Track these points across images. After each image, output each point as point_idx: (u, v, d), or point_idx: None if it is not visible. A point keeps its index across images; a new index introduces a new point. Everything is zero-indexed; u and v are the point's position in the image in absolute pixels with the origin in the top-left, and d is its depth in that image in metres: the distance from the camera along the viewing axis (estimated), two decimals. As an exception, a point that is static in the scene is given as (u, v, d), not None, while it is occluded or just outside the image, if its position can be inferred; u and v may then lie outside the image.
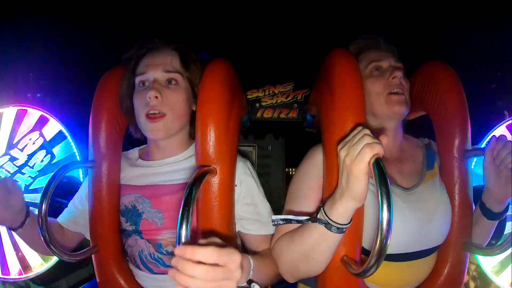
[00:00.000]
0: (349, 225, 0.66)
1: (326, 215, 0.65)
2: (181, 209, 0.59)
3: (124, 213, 0.87)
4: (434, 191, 0.85)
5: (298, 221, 0.68)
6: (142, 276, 0.88)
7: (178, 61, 0.85)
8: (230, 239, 0.77)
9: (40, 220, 0.76)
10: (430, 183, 0.86)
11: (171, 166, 0.88)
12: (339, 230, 0.65)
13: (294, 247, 0.72)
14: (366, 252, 0.76)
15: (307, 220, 0.67)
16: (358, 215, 0.73)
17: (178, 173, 0.86)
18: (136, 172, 0.90)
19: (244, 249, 1.00)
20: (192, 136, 0.90)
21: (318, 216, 0.67)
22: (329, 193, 0.73)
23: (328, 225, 0.65)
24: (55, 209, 1.22)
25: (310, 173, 0.83)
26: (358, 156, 0.59)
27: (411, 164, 0.89)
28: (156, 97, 0.80)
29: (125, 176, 0.91)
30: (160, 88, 0.81)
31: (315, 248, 0.69)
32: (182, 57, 0.86)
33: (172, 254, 0.82)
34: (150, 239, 0.84)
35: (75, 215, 0.92)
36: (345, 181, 0.62)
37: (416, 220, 0.80)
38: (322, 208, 0.67)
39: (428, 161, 0.91)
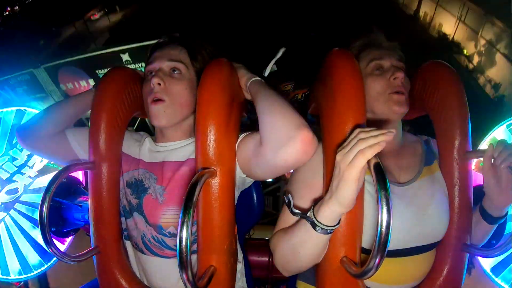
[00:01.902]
0: (335, 227, 0.67)
1: (314, 215, 0.66)
2: (181, 211, 0.59)
3: (131, 185, 0.89)
4: (431, 187, 0.85)
5: (291, 212, 0.74)
6: (147, 261, 0.88)
7: (185, 53, 0.90)
8: (231, 241, 0.77)
9: (40, 221, 0.76)
10: (427, 178, 0.87)
11: (175, 146, 0.91)
12: (323, 231, 0.66)
13: (286, 240, 0.74)
14: (365, 251, 0.76)
15: (298, 214, 0.71)
16: (357, 216, 0.73)
17: (182, 151, 0.89)
18: (149, 147, 0.94)
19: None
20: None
21: (308, 214, 0.68)
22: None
23: (313, 224, 0.66)
24: (56, 210, 1.23)
25: (307, 173, 0.83)
26: (351, 163, 0.59)
27: (409, 159, 0.90)
28: (159, 83, 0.85)
29: (140, 149, 0.93)
30: (164, 76, 0.86)
31: (302, 245, 0.70)
32: (190, 51, 0.91)
33: (174, 236, 0.84)
34: (151, 221, 0.85)
35: (81, 133, 0.95)
36: (336, 185, 0.63)
37: (412, 215, 0.81)
38: (313, 206, 0.68)
39: (426, 156, 0.91)
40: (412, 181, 0.85)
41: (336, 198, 0.62)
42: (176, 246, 0.75)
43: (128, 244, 0.92)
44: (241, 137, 0.80)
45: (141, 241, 0.87)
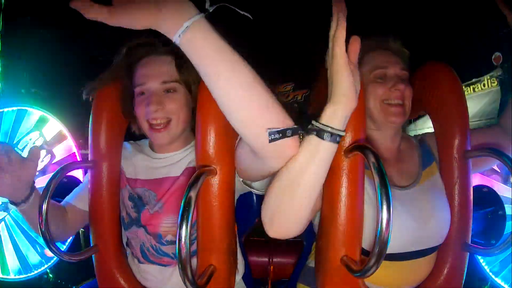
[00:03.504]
0: (342, 133, 0.57)
1: (317, 123, 0.57)
2: (181, 209, 0.59)
3: (132, 198, 0.89)
4: (431, 191, 0.85)
5: (293, 131, 0.57)
6: (144, 269, 0.88)
7: (173, 67, 0.85)
8: (230, 240, 0.76)
9: (40, 220, 0.76)
10: (427, 182, 0.87)
11: (174, 158, 0.90)
12: (333, 138, 0.56)
13: (282, 174, 0.61)
14: (365, 253, 0.76)
15: (293, 128, 0.57)
16: (358, 216, 0.73)
17: (181, 165, 0.88)
18: (144, 163, 0.92)
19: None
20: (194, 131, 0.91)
21: (309, 127, 0.59)
22: (330, 197, 0.73)
23: (320, 132, 0.56)
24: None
25: None
26: (332, 53, 0.55)
27: (409, 164, 0.90)
28: (157, 110, 0.82)
29: (135, 167, 0.92)
30: (159, 99, 0.83)
31: (304, 170, 0.58)
32: (177, 61, 0.85)
33: (172, 243, 0.83)
34: (151, 230, 0.85)
35: (84, 193, 0.91)
36: (330, 83, 0.57)
37: (413, 220, 0.80)
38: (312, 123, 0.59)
39: (424, 159, 0.91)
40: (413, 185, 0.85)
41: (335, 93, 0.56)
42: (173, 253, 0.74)
43: (128, 254, 0.92)
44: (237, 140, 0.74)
45: (139, 250, 0.87)
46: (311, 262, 0.96)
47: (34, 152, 0.76)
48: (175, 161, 0.90)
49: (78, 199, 0.92)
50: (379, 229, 0.55)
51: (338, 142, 0.57)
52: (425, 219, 0.81)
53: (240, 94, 0.52)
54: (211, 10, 0.49)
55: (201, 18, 0.48)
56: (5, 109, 1.37)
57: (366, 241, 0.76)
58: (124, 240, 0.93)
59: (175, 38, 0.49)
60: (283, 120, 0.55)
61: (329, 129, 0.56)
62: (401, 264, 0.81)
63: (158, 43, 0.87)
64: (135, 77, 0.86)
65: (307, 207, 0.63)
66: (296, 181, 0.60)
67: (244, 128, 0.56)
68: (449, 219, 0.84)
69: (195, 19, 0.48)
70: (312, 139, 0.57)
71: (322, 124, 0.56)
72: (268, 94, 0.54)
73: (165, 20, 0.48)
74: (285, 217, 0.64)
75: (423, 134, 0.98)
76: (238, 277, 0.93)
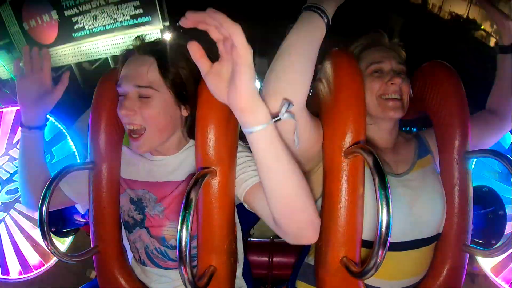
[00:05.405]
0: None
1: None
2: (181, 211, 0.59)
3: (133, 202, 0.89)
4: (423, 179, 0.87)
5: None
6: (149, 272, 0.88)
7: (155, 70, 0.79)
8: (231, 241, 0.76)
9: (40, 221, 0.76)
10: (421, 171, 0.89)
11: (174, 162, 0.88)
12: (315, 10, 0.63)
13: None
14: (365, 243, 0.76)
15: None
16: (357, 216, 0.73)
17: (182, 169, 0.87)
18: (144, 167, 0.90)
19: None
20: (190, 136, 0.90)
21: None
22: (330, 197, 0.73)
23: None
24: (56, 210, 1.22)
25: None
26: None
27: (404, 153, 0.92)
28: (128, 115, 0.78)
29: (134, 170, 0.91)
30: (132, 104, 0.78)
31: (292, 38, 0.64)
32: (161, 64, 0.79)
33: (175, 248, 0.82)
34: (154, 233, 0.85)
35: (75, 180, 0.91)
36: None
37: (405, 205, 0.82)
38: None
39: (419, 150, 0.94)
40: (407, 173, 0.88)
41: None
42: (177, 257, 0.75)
43: (131, 259, 0.92)
44: (249, 183, 0.75)
45: (144, 253, 0.87)
46: (310, 260, 0.97)
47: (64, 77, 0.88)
48: (175, 164, 0.88)
49: (66, 183, 0.90)
50: (379, 231, 0.55)
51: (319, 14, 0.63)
52: (416, 204, 0.83)
53: (282, 192, 0.61)
54: (277, 120, 0.58)
55: (270, 125, 0.55)
56: (5, 109, 1.36)
57: (367, 231, 0.76)
58: (127, 246, 0.93)
59: (246, 131, 0.56)
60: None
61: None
62: (396, 255, 0.81)
63: (142, 42, 0.83)
64: (119, 76, 0.83)
65: (299, 71, 0.63)
66: (286, 47, 0.63)
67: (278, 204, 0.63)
68: (443, 209, 0.85)
69: (263, 127, 0.55)
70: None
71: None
72: (307, 192, 0.63)
73: (243, 115, 0.55)
74: (277, 77, 0.64)
75: (419, 130, 1.00)
76: (237, 273, 0.93)
